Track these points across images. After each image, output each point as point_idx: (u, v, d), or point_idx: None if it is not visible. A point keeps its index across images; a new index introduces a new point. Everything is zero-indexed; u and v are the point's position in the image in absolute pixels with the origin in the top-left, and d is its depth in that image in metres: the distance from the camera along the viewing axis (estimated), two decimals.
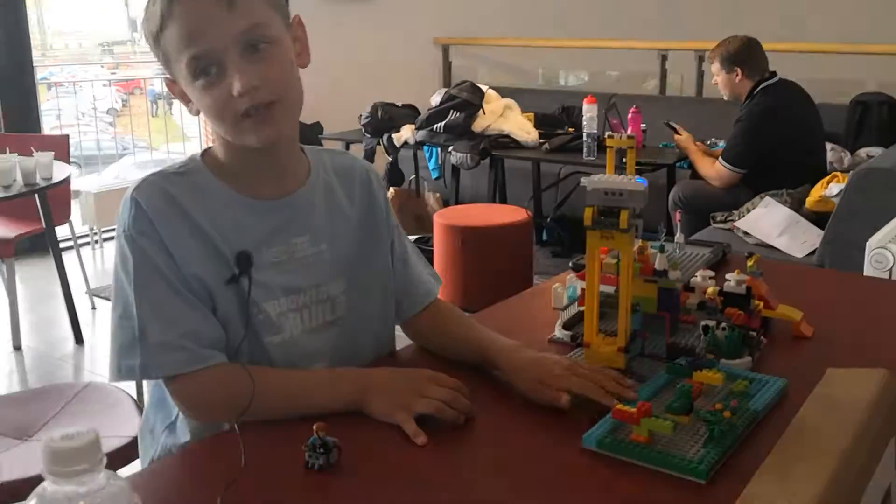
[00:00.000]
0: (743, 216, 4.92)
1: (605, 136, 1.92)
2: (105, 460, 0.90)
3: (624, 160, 1.99)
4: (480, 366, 1.77)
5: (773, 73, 5.34)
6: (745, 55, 5.34)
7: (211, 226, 1.64)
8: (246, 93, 1.57)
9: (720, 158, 5.33)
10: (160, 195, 1.63)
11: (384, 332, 1.92)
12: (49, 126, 8.69)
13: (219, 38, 1.56)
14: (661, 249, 1.82)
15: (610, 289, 1.77)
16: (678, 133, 5.69)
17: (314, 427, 1.37)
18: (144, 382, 3.21)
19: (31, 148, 4.93)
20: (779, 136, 5.15)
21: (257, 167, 1.72)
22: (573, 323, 1.94)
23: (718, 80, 5.49)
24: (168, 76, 1.67)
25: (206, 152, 1.75)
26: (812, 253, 4.46)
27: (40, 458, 0.88)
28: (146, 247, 1.59)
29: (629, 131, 5.60)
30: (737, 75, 5.36)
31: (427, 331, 1.94)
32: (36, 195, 4.89)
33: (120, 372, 1.60)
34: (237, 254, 1.64)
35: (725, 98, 5.55)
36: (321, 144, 6.12)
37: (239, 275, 1.64)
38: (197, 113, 1.67)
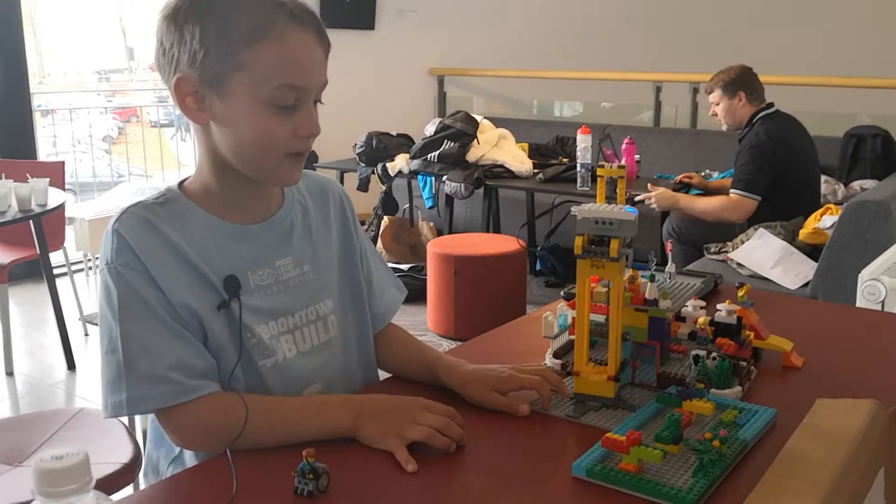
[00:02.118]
0: (737, 247, 4.92)
1: (597, 165, 1.92)
2: (94, 481, 0.90)
3: (616, 190, 1.99)
4: (428, 381, 1.83)
5: (771, 104, 5.34)
6: (745, 80, 5.31)
7: (196, 253, 1.63)
8: (308, 137, 1.64)
9: (733, 189, 5.20)
10: (142, 225, 1.61)
11: (367, 350, 1.94)
12: (45, 153, 8.70)
13: (314, 80, 1.63)
14: (652, 279, 1.83)
15: (600, 318, 1.78)
16: (652, 190, 5.46)
17: (303, 453, 1.37)
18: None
19: (27, 174, 4.95)
20: (784, 163, 5.12)
21: (242, 196, 1.72)
22: (564, 352, 1.94)
23: (719, 108, 5.43)
24: (194, 73, 1.59)
25: (182, 183, 1.74)
26: (805, 285, 4.47)
27: (31, 480, 0.89)
28: (130, 279, 1.58)
29: (623, 162, 5.61)
30: (740, 99, 5.31)
31: (379, 351, 1.97)
32: (31, 221, 4.90)
33: (108, 408, 1.58)
34: (224, 279, 1.64)
35: (725, 127, 5.49)
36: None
37: (229, 299, 1.64)
38: (203, 122, 1.65)
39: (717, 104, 5.43)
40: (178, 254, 1.62)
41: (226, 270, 1.65)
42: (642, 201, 5.40)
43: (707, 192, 5.82)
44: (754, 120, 5.28)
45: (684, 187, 5.80)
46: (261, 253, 1.72)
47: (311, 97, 1.64)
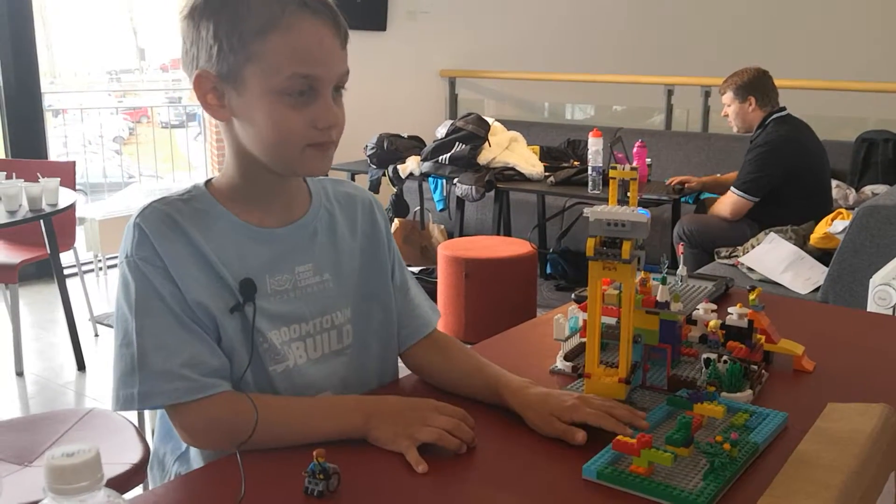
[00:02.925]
0: (747, 252, 4.91)
1: (609, 167, 1.92)
2: (105, 478, 0.90)
3: (628, 193, 1.99)
4: (487, 400, 1.75)
5: (783, 108, 5.38)
6: (758, 84, 5.38)
7: (215, 253, 1.63)
8: (328, 128, 1.63)
9: (732, 187, 5.32)
10: (165, 221, 1.62)
11: (388, 362, 1.92)
12: (56, 153, 8.71)
13: (329, 69, 1.61)
14: (664, 281, 1.83)
15: (611, 320, 1.78)
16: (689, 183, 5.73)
17: (314, 453, 1.37)
18: (149, 411, 3.21)
19: (38, 174, 4.96)
20: (792, 167, 5.19)
21: (268, 195, 1.72)
22: (575, 354, 1.94)
23: (730, 110, 5.51)
24: (211, 69, 1.60)
25: (209, 182, 1.75)
26: (816, 290, 4.46)
27: (42, 477, 0.89)
28: (149, 273, 1.58)
29: (634, 164, 5.60)
30: (750, 104, 5.39)
31: (428, 363, 1.92)
32: (41, 221, 4.91)
33: (118, 401, 1.58)
34: (240, 281, 1.64)
35: (735, 130, 5.56)
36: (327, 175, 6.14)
37: (243, 303, 1.64)
38: (225, 118, 1.65)
39: (729, 106, 5.50)
40: (198, 252, 1.62)
41: (243, 273, 1.65)
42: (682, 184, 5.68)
43: (707, 188, 5.90)
44: (767, 122, 5.33)
45: (682, 194, 5.81)
46: (281, 258, 1.72)
47: (328, 86, 1.62)
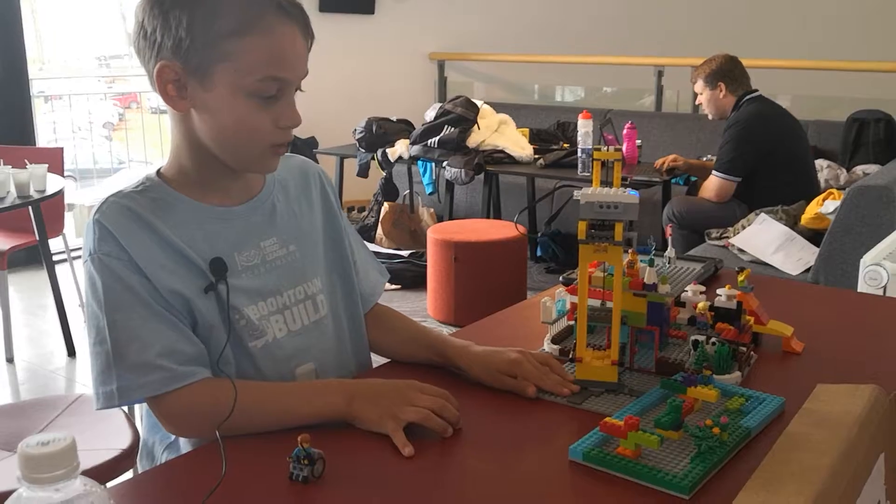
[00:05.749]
0: (738, 233, 4.91)
1: (593, 148, 1.91)
2: (80, 467, 0.89)
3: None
4: (431, 362, 1.84)
5: (755, 90, 5.45)
6: (727, 71, 5.47)
7: (179, 238, 1.62)
8: (289, 128, 1.64)
9: (713, 171, 5.36)
10: (124, 214, 1.61)
11: (360, 331, 1.94)
12: (45, 139, 8.69)
13: (297, 72, 1.63)
14: (651, 263, 1.82)
15: (596, 303, 1.77)
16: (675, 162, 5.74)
17: (299, 438, 1.36)
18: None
19: (25, 160, 4.94)
20: (767, 142, 5.25)
21: (222, 179, 1.72)
22: (562, 337, 1.93)
23: (703, 98, 5.61)
24: (178, 61, 1.57)
25: (159, 171, 1.73)
26: (807, 270, 4.46)
27: (16, 466, 0.88)
28: (115, 267, 1.57)
29: (623, 147, 5.63)
30: (721, 91, 5.47)
31: (371, 333, 1.96)
32: (30, 207, 4.90)
33: (99, 399, 1.57)
34: (210, 261, 1.64)
35: (710, 116, 5.66)
36: (316, 159, 6.12)
37: (216, 282, 1.63)
38: (184, 110, 1.62)
39: (701, 94, 5.63)
40: (162, 240, 1.61)
41: (211, 253, 1.65)
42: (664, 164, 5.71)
43: (692, 171, 5.91)
44: (740, 104, 5.43)
45: (673, 176, 5.81)
46: (245, 234, 1.72)
47: (293, 88, 1.64)
